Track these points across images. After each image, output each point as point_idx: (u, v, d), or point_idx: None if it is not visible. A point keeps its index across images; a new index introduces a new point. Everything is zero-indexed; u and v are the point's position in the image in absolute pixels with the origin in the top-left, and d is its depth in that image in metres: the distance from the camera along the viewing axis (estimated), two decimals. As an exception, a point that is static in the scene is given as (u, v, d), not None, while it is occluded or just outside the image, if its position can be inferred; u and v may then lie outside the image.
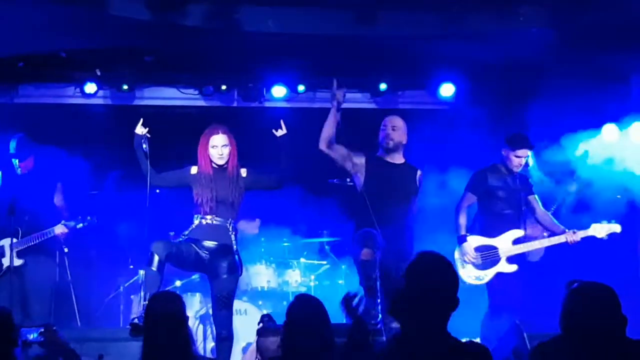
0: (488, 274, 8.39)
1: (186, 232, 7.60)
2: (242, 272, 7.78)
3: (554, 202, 9.57)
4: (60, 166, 9.54)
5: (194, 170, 7.71)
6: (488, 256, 8.37)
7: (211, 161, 7.65)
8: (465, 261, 8.36)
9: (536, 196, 8.71)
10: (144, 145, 7.66)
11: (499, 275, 8.40)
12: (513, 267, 8.40)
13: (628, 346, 4.00)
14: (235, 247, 7.60)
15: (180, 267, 7.82)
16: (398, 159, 8.01)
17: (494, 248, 8.39)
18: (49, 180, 8.96)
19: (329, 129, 7.84)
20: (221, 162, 7.64)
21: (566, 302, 4.11)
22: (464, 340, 4.01)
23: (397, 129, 7.98)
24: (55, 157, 9.75)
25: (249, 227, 10.07)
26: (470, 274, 8.36)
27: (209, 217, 7.57)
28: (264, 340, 7.20)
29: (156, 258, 7.30)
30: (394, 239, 7.70)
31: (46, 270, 8.91)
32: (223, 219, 7.58)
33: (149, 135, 7.70)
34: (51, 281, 8.99)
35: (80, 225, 8.75)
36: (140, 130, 7.71)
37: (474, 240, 8.44)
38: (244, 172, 7.72)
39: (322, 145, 7.86)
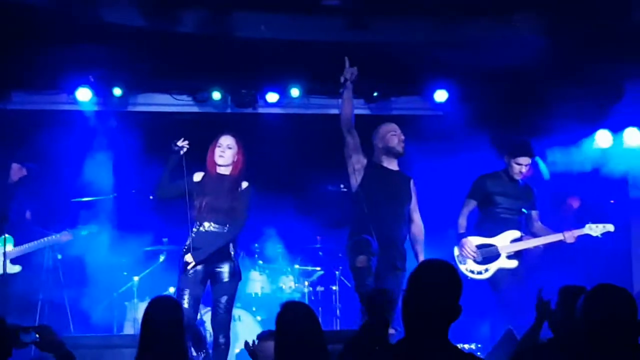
0: (490, 269, 8.47)
1: (187, 243, 7.63)
2: (240, 278, 7.84)
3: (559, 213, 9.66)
4: (52, 173, 9.56)
5: (197, 177, 7.76)
6: (488, 253, 8.45)
7: (215, 162, 7.73)
8: (464, 256, 8.43)
9: (537, 212, 8.75)
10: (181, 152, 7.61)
11: (501, 271, 8.47)
12: (514, 263, 8.50)
13: (638, 354, 3.96)
14: (233, 253, 7.66)
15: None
16: (394, 165, 8.02)
17: (493, 245, 8.47)
18: (40, 188, 8.99)
19: (347, 110, 7.85)
20: (222, 162, 7.71)
21: (581, 305, 4.04)
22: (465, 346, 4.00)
23: (402, 136, 8.03)
24: (48, 164, 9.76)
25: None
26: (470, 268, 8.44)
27: (206, 224, 7.63)
28: (262, 344, 7.26)
29: None
30: (388, 246, 7.71)
31: (39, 276, 8.92)
32: (221, 226, 7.63)
33: (186, 147, 7.64)
34: (44, 288, 9.00)
35: (86, 232, 8.81)
36: (181, 143, 7.65)
37: (473, 239, 8.55)
38: (244, 184, 7.76)
39: (343, 127, 7.85)
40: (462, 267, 8.41)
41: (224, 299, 7.62)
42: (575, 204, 9.63)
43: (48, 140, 9.74)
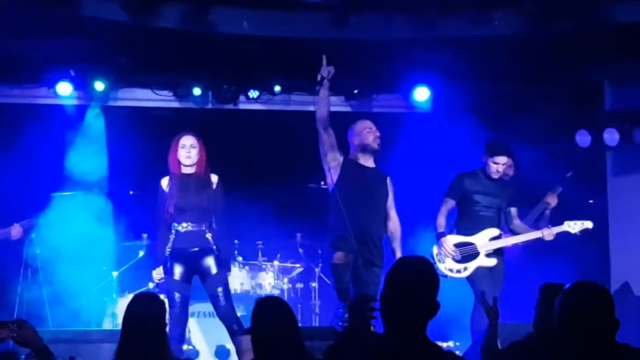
0: (469, 267, 8.46)
1: (169, 246, 7.69)
2: (229, 268, 8.06)
3: (536, 210, 9.66)
4: (33, 166, 9.55)
5: (164, 183, 7.81)
6: (467, 251, 8.45)
7: (179, 162, 7.75)
8: (443, 255, 8.43)
9: (515, 209, 8.75)
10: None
11: (480, 269, 8.49)
12: (493, 261, 8.48)
13: (615, 350, 3.98)
14: (214, 248, 7.70)
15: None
16: (370, 162, 8.03)
17: (472, 244, 8.48)
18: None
19: (322, 108, 7.78)
20: (188, 162, 7.75)
21: (559, 301, 4.05)
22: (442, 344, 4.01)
23: (378, 132, 8.02)
24: (28, 156, 9.74)
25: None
26: (450, 267, 8.43)
27: (184, 224, 7.69)
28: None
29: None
30: (365, 243, 7.73)
31: (17, 271, 8.90)
32: (197, 224, 7.69)
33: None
34: (22, 282, 8.98)
35: (34, 221, 8.80)
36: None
37: (452, 238, 8.54)
38: (214, 178, 7.82)
39: (319, 125, 7.79)
40: (441, 266, 8.40)
41: (219, 290, 7.67)
42: (553, 201, 9.64)
43: (27, 134, 9.73)
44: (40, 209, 9.12)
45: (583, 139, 10.19)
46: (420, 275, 3.82)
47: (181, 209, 7.66)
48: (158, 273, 7.85)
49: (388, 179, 8.06)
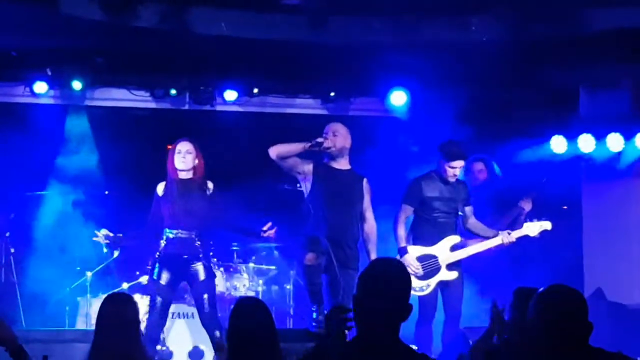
0: (430, 284, 8.42)
1: (159, 252, 7.88)
2: (215, 275, 8.28)
3: (510, 214, 9.66)
4: (8, 164, 9.49)
5: (159, 188, 7.96)
6: (429, 265, 8.40)
7: (175, 168, 7.91)
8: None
9: (470, 207, 8.74)
10: None
11: (441, 283, 8.46)
12: (454, 274, 8.45)
13: (589, 354, 3.99)
14: (201, 256, 7.90)
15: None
16: (344, 164, 8.01)
17: (434, 257, 8.43)
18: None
19: (289, 151, 7.84)
20: (184, 167, 7.89)
21: (533, 305, 4.06)
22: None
23: (338, 134, 7.97)
24: (3, 154, 9.69)
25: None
26: (413, 285, 8.36)
27: (175, 231, 7.86)
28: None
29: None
30: (340, 246, 7.73)
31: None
32: (188, 231, 7.85)
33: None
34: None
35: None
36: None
37: (414, 251, 8.46)
38: (210, 184, 8.01)
39: (273, 156, 7.85)
40: None
41: (205, 296, 7.87)
42: (527, 206, 9.66)
43: (2, 132, 9.69)
44: (14, 208, 9.08)
45: (558, 144, 10.23)
46: (393, 277, 3.82)
47: (173, 215, 7.82)
48: (103, 233, 7.97)
49: (364, 181, 8.06)
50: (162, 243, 7.86)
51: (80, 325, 9.53)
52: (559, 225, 8.94)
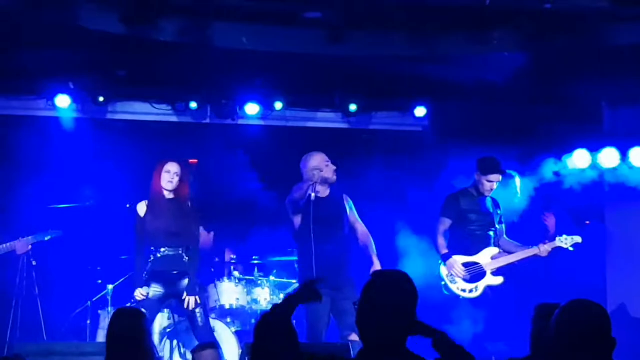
0: (479, 287, 8.55)
1: (146, 272, 8.02)
2: (205, 290, 8.60)
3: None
4: (31, 178, 9.52)
5: (140, 208, 8.15)
6: (473, 270, 8.52)
7: (162, 187, 8.07)
8: (454, 276, 8.48)
9: (503, 226, 8.82)
10: None
11: (490, 288, 8.54)
12: (499, 279, 8.60)
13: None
14: (189, 271, 8.02)
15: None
16: (326, 192, 8.24)
17: (477, 263, 8.53)
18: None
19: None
20: (170, 187, 8.05)
21: (555, 320, 4.00)
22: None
23: (329, 162, 8.22)
24: (26, 169, 9.73)
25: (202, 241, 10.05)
26: (462, 287, 8.54)
27: (162, 249, 8.01)
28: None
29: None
30: (332, 259, 7.93)
31: (13, 283, 8.89)
32: (175, 248, 8.00)
33: None
34: (18, 294, 8.96)
35: (48, 237, 8.81)
36: None
37: (459, 258, 8.64)
38: (190, 203, 8.20)
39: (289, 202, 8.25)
40: (454, 287, 8.53)
41: (197, 311, 8.01)
42: (551, 222, 9.60)
43: (25, 146, 9.73)
44: (45, 225, 9.11)
45: (581, 158, 10.17)
46: (400, 289, 3.79)
47: (160, 233, 7.96)
48: (141, 293, 8.00)
49: (344, 198, 8.36)
50: (150, 261, 8.00)
51: (101, 338, 9.51)
52: (582, 240, 8.89)
